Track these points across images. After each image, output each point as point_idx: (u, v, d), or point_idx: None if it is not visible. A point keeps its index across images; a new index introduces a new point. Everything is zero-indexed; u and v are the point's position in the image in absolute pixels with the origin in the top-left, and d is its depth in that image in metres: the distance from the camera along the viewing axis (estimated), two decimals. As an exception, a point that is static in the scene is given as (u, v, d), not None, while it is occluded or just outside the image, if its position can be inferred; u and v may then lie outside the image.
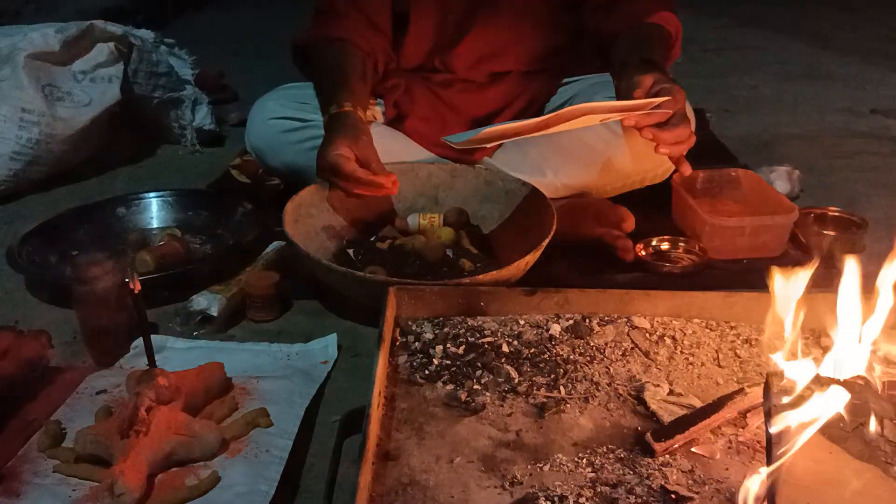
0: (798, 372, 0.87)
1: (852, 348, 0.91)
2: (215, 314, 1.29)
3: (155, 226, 1.65)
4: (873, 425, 0.85)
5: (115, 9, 3.20)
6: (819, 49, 3.04)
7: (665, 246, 1.48)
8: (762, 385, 0.86)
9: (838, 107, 2.34)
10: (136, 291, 0.96)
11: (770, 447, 0.83)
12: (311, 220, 1.42)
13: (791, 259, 1.44)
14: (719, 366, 1.07)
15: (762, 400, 0.86)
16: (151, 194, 1.69)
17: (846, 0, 3.82)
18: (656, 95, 1.26)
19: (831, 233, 1.46)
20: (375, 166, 1.34)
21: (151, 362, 1.02)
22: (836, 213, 1.52)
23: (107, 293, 1.18)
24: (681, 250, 1.47)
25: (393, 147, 1.52)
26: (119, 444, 0.93)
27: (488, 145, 1.36)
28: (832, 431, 0.86)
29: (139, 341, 1.19)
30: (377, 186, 1.33)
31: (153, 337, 1.06)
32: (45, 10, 3.13)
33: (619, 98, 1.33)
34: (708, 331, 1.13)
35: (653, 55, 1.38)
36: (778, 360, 0.90)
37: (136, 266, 1.41)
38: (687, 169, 1.33)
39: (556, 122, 1.23)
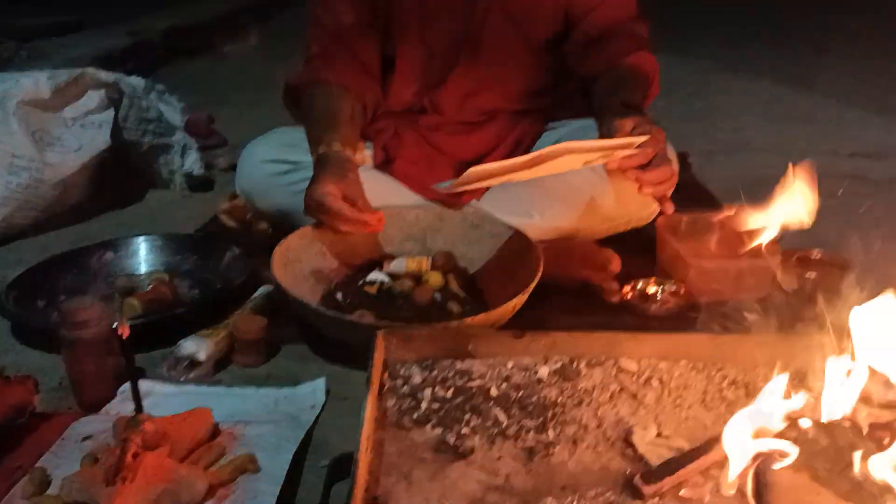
0: (784, 413, 0.88)
1: (838, 390, 0.92)
2: (203, 359, 1.29)
3: (143, 270, 1.65)
4: (858, 467, 0.85)
5: (107, 56, 3.25)
6: (799, 92, 3.10)
7: (651, 288, 1.49)
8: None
9: (820, 149, 2.38)
10: (125, 336, 0.96)
11: (757, 490, 0.83)
12: (299, 265, 1.43)
13: (775, 301, 1.45)
14: (707, 408, 1.08)
15: (749, 441, 0.86)
16: (140, 239, 1.70)
17: (824, 44, 3.91)
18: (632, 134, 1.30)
19: (813, 274, 1.48)
20: (361, 204, 1.37)
21: (138, 408, 1.01)
22: (819, 256, 1.54)
23: (94, 338, 1.18)
24: (666, 292, 1.48)
25: (381, 190, 1.54)
26: (105, 491, 0.92)
27: (475, 186, 1.38)
28: (819, 473, 0.86)
29: (126, 387, 1.18)
30: (363, 223, 1.37)
31: (140, 383, 1.06)
32: (37, 56, 3.17)
33: (601, 135, 1.36)
34: (695, 373, 1.14)
35: (631, 98, 1.43)
36: (764, 401, 0.91)
37: (124, 311, 1.41)
38: (670, 208, 1.35)
39: (540, 161, 1.26)
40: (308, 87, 1.58)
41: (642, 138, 1.27)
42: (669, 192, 1.37)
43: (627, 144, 1.27)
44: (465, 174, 1.27)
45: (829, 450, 0.86)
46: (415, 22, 1.61)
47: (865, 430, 0.90)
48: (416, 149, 1.64)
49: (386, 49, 1.63)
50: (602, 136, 1.38)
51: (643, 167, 1.29)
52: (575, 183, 1.51)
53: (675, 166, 1.39)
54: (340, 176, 1.38)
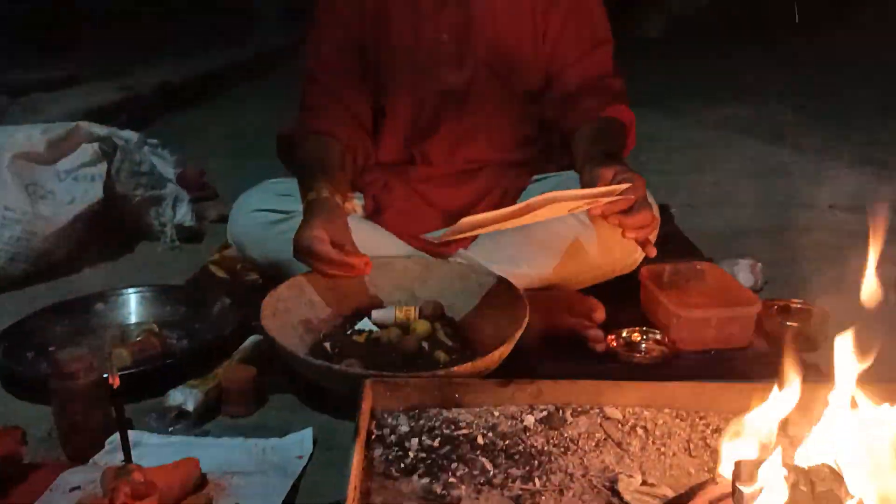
0: (766, 461, 0.89)
1: (819, 437, 0.94)
2: (191, 409, 1.29)
3: (133, 321, 1.66)
4: (838, 511, 0.86)
5: (100, 110, 3.30)
6: (777, 147, 3.18)
7: (635, 337, 1.51)
8: (731, 474, 0.89)
9: (797, 202, 2.44)
10: (115, 387, 0.97)
11: (739, 535, 0.85)
12: (288, 315, 1.44)
13: (756, 350, 1.48)
14: (691, 455, 1.09)
15: (731, 489, 0.88)
16: (130, 290, 1.71)
17: (801, 101, 4.01)
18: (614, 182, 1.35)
19: (794, 324, 1.51)
20: (348, 248, 1.40)
21: (127, 458, 1.02)
22: (799, 305, 1.57)
23: (83, 388, 1.19)
24: (650, 341, 1.51)
25: (371, 240, 1.56)
26: (92, 542, 0.92)
27: (465, 236, 1.42)
28: (799, 518, 0.87)
29: (114, 437, 1.18)
30: (349, 267, 1.40)
31: (129, 433, 1.06)
32: (31, 110, 3.21)
33: (583, 184, 1.43)
34: (678, 420, 1.15)
35: (611, 147, 1.50)
36: (745, 449, 0.93)
37: (114, 361, 1.42)
38: (652, 251, 1.39)
39: (528, 210, 1.29)
40: (300, 138, 1.63)
41: (623, 186, 1.32)
42: (652, 236, 1.41)
43: (610, 192, 1.32)
44: (456, 225, 1.30)
45: (808, 495, 0.87)
46: (405, 75, 1.67)
47: (842, 473, 0.91)
48: (406, 200, 1.68)
49: (377, 101, 1.70)
50: (584, 184, 1.43)
51: (625, 212, 1.32)
52: (561, 232, 1.55)
53: (656, 212, 1.43)
54: (328, 221, 1.41)
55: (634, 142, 1.67)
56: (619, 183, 1.33)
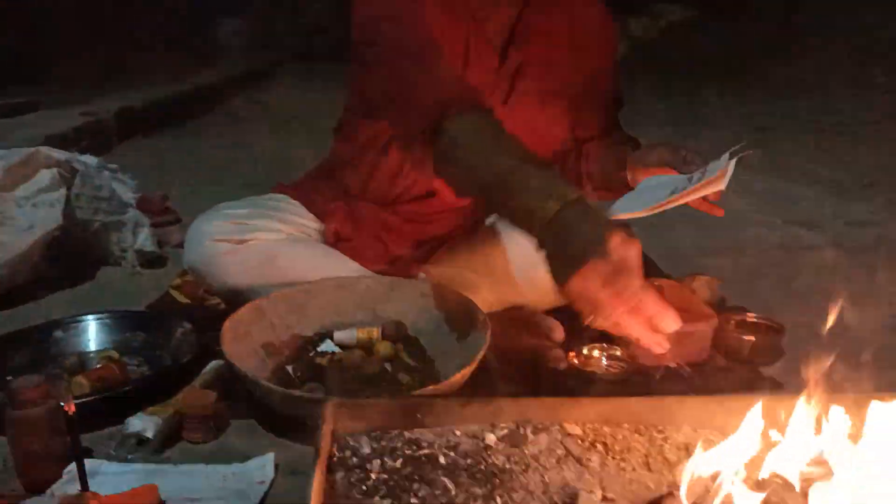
0: (720, 473, 0.91)
1: (772, 449, 0.96)
2: (151, 436, 1.28)
3: (92, 349, 1.64)
4: (791, 521, 0.88)
5: (61, 136, 3.27)
6: (737, 168, 3.24)
7: (595, 353, 1.53)
8: (686, 487, 0.90)
9: (755, 220, 2.49)
10: (71, 413, 0.96)
11: (694, 547, 0.86)
12: (249, 338, 1.44)
13: (715, 364, 1.51)
14: (649, 469, 1.10)
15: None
16: (89, 317, 1.68)
17: (756, 122, 4.11)
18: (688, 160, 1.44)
19: (751, 338, 1.53)
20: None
21: (84, 486, 1.00)
22: (755, 319, 1.60)
23: (39, 417, 1.17)
24: (610, 357, 1.52)
25: (330, 263, 1.57)
26: (46, 573, 0.90)
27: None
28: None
29: (71, 466, 1.16)
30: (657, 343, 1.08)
31: (87, 462, 1.05)
32: (-10, 137, 3.17)
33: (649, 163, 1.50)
34: (637, 435, 1.17)
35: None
36: (697, 462, 0.94)
37: (72, 389, 1.40)
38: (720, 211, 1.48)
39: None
40: (464, 107, 1.26)
41: (723, 179, 1.33)
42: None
43: (712, 181, 1.35)
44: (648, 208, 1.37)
45: (761, 506, 0.89)
46: None
47: (798, 487, 0.93)
48: (371, 232, 1.65)
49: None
50: (652, 160, 1.51)
51: None
52: (518, 259, 1.56)
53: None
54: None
55: None
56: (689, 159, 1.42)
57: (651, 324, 1.02)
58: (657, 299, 1.02)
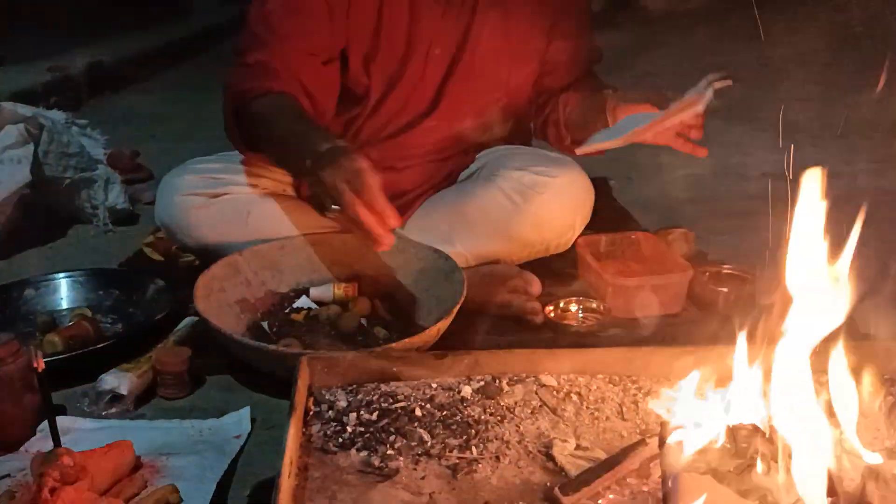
0: (690, 420, 0.92)
1: (744, 397, 0.97)
2: (125, 392, 1.27)
3: (65, 307, 1.62)
4: (760, 467, 0.90)
5: (28, 92, 3.19)
6: (712, 119, 3.21)
7: (572, 306, 1.54)
8: (658, 431, 0.91)
9: (729, 172, 2.49)
10: (40, 370, 0.95)
11: (666, 494, 0.87)
12: (223, 294, 1.43)
13: (689, 316, 1.52)
14: (623, 419, 1.12)
15: (658, 445, 0.90)
16: (61, 275, 1.67)
17: (733, 72, 4.09)
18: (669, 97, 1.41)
19: (724, 289, 1.55)
20: (392, 222, 1.26)
21: (56, 442, 1.00)
22: (729, 271, 1.61)
23: (11, 375, 1.16)
24: (586, 310, 1.53)
25: (304, 218, 1.55)
26: (21, 529, 0.90)
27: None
28: (722, 473, 0.90)
29: (44, 424, 1.16)
30: (385, 217, 1.25)
31: (60, 419, 1.05)
32: (-46, 93, 3.08)
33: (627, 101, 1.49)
34: (611, 385, 1.18)
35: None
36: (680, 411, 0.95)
37: (44, 348, 1.38)
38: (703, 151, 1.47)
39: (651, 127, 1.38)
40: (259, 91, 1.44)
41: (701, 101, 1.35)
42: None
43: (691, 103, 1.36)
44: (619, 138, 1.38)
45: (731, 452, 0.90)
46: (384, 80, 1.58)
47: (767, 433, 0.95)
48: None
49: (355, 85, 1.58)
50: (631, 98, 1.50)
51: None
52: (492, 212, 1.55)
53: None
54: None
55: None
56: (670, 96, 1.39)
57: (380, 219, 1.24)
58: (384, 200, 1.25)
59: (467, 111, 1.64)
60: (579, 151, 1.47)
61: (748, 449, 0.92)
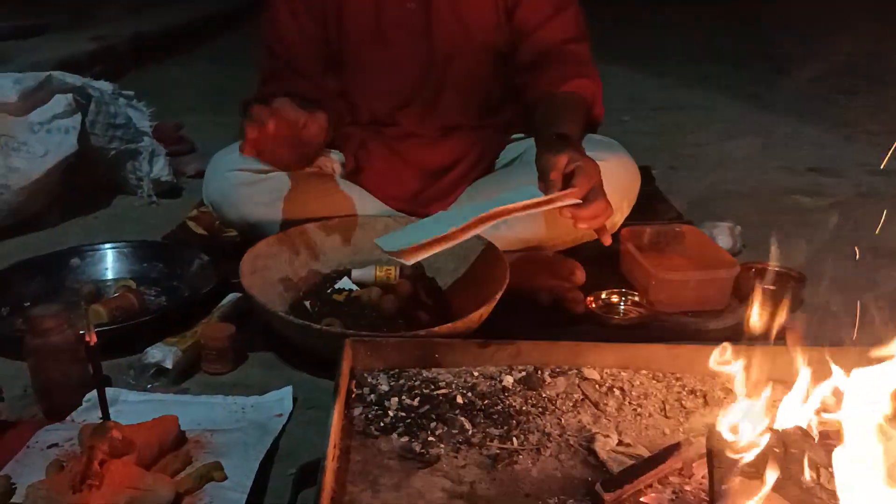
0: (739, 423, 0.91)
1: (792, 400, 0.96)
2: (170, 367, 1.29)
3: (109, 277, 1.65)
4: (809, 473, 0.88)
5: (72, 61, 3.22)
6: (759, 110, 3.19)
7: (614, 298, 1.53)
8: (705, 436, 0.90)
9: (777, 165, 2.45)
10: (93, 344, 0.96)
11: (713, 497, 0.86)
12: (267, 272, 1.44)
13: (733, 312, 1.50)
14: (666, 416, 1.11)
15: (706, 450, 0.89)
16: (106, 246, 1.69)
17: (783, 64, 4.01)
18: (570, 174, 1.30)
19: (771, 287, 1.52)
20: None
21: (105, 415, 1.01)
22: (776, 268, 1.58)
23: (59, 346, 1.18)
24: (629, 303, 1.52)
25: (351, 200, 1.55)
26: (71, 499, 0.92)
27: (418, 255, 1.30)
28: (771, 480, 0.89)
29: (91, 394, 1.18)
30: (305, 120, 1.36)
31: (106, 390, 1.06)
32: (1, 61, 3.12)
33: (538, 169, 1.35)
34: (655, 382, 1.17)
35: (567, 128, 1.42)
36: (721, 412, 0.94)
37: (90, 318, 1.40)
38: (608, 240, 1.36)
39: (479, 224, 1.29)
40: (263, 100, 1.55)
41: (570, 197, 1.28)
42: (606, 224, 1.35)
43: (558, 198, 1.29)
44: (409, 246, 1.26)
45: (781, 456, 0.89)
46: (370, 48, 1.62)
47: (816, 438, 0.93)
48: (383, 159, 1.66)
49: (343, 72, 1.66)
50: (538, 168, 1.36)
51: (579, 204, 1.29)
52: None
53: (636, 182, 1.41)
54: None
55: (602, 110, 1.62)
56: (571, 172, 1.29)
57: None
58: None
59: (456, 73, 1.64)
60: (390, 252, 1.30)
61: (797, 454, 0.91)
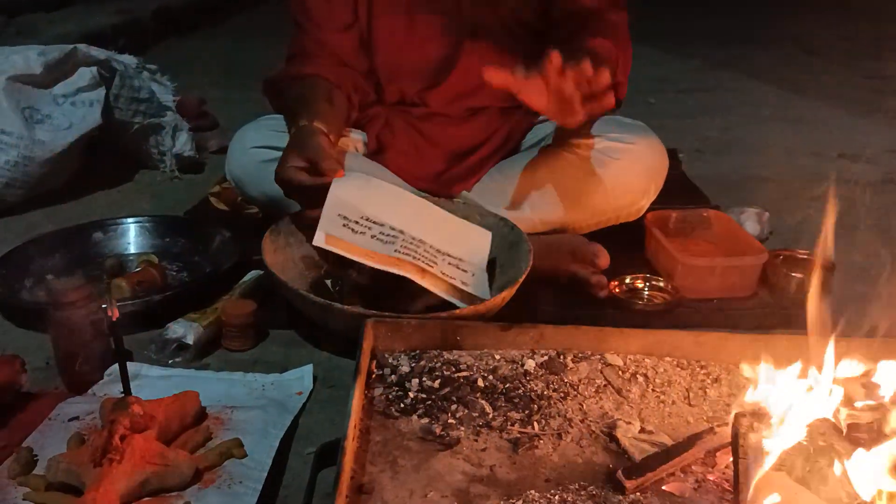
0: (766, 413, 0.89)
1: (820, 391, 0.94)
2: (191, 342, 1.29)
3: (132, 251, 1.65)
4: (838, 466, 0.87)
5: (96, 34, 3.21)
6: (788, 93, 3.12)
7: (639, 284, 1.50)
8: (731, 425, 0.88)
9: (806, 150, 2.40)
10: (115, 318, 0.96)
11: (738, 487, 0.85)
12: (289, 250, 1.43)
13: (760, 300, 1.47)
14: (690, 404, 1.09)
15: (730, 440, 0.88)
16: (129, 220, 1.69)
17: (814, 46, 3.93)
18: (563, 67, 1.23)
19: (799, 275, 1.49)
20: (324, 165, 1.33)
21: (126, 390, 1.02)
22: (804, 256, 1.55)
23: (82, 319, 1.18)
24: (654, 289, 1.50)
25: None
26: (91, 473, 0.92)
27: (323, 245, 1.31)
28: (798, 472, 0.88)
29: (113, 368, 1.18)
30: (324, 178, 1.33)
31: (127, 364, 1.06)
32: (26, 32, 3.12)
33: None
34: (679, 369, 1.15)
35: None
36: (746, 400, 0.93)
37: (112, 292, 1.41)
38: (611, 99, 1.27)
39: (404, 269, 1.29)
40: (286, 83, 1.57)
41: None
42: (602, 91, 1.25)
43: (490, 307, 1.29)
44: (335, 237, 1.29)
45: (808, 449, 0.87)
46: (400, 28, 1.59)
47: (845, 431, 0.91)
48: (408, 139, 1.64)
49: (370, 52, 1.63)
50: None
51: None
52: (565, 176, 1.52)
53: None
54: (301, 145, 1.36)
55: (625, 88, 1.50)
56: (567, 61, 1.22)
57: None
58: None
59: (488, 37, 1.59)
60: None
61: (825, 447, 0.89)
